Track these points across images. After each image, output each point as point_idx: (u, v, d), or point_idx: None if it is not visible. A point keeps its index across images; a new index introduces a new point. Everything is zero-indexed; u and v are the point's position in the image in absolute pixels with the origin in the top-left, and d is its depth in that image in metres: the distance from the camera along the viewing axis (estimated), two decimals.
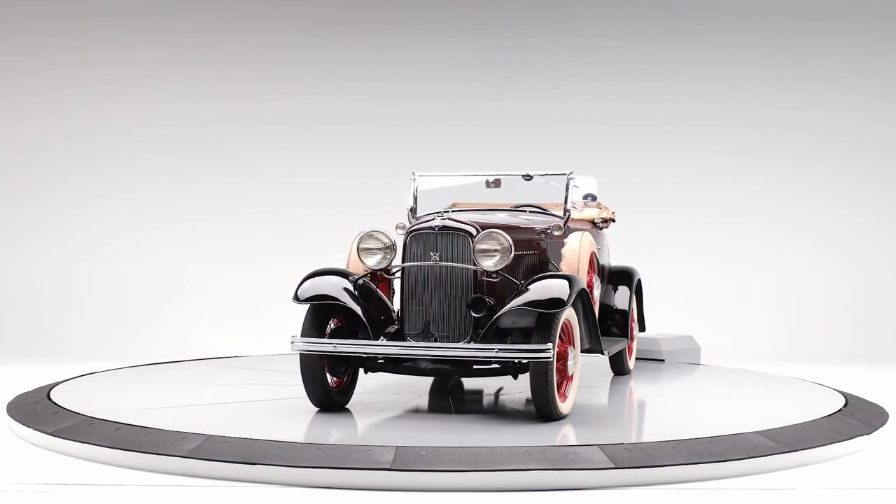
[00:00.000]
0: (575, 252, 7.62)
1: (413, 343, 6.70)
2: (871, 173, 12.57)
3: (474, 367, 6.82)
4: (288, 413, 7.02)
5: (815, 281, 12.36)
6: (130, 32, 12.48)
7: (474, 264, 6.73)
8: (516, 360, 6.64)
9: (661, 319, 11.34)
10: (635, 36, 12.65)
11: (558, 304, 6.51)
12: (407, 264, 6.85)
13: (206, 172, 12.42)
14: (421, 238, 6.85)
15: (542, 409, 6.66)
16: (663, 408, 7.43)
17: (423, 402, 7.64)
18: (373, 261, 7.02)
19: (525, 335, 6.74)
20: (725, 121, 12.61)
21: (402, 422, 6.84)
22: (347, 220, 11.72)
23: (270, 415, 6.94)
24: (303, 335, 6.83)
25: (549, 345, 6.43)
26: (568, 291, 6.56)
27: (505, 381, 8.23)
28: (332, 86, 12.56)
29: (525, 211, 8.09)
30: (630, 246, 10.35)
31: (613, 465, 5.59)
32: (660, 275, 11.92)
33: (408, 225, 7.71)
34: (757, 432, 6.31)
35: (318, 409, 7.01)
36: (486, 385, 8.30)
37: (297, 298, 6.86)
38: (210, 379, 8.67)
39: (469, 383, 8.43)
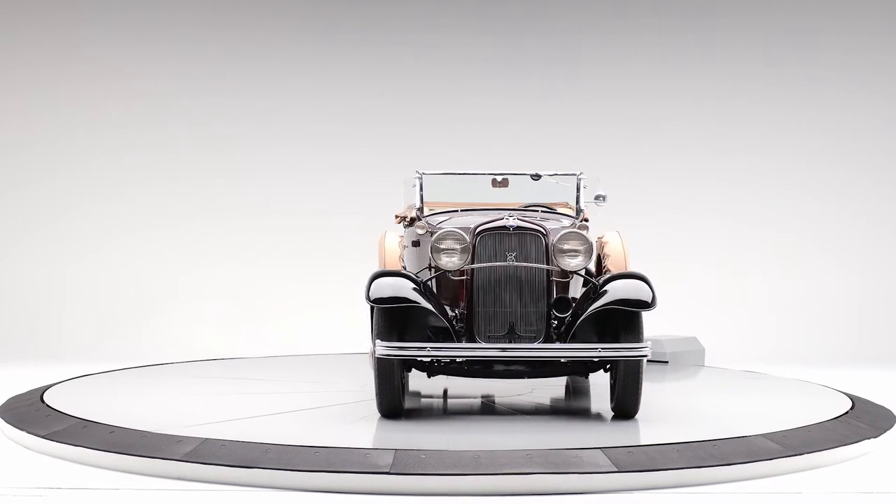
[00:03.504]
0: (620, 251, 7.68)
1: (517, 345, 6.65)
2: (878, 173, 12.51)
3: (556, 366, 6.87)
4: (285, 415, 6.96)
5: (821, 282, 12.30)
6: (126, 28, 12.41)
7: (548, 263, 6.74)
8: (589, 360, 6.78)
9: (664, 321, 11.26)
10: (642, 34, 12.60)
11: (645, 304, 6.66)
12: (487, 264, 6.76)
13: (203, 172, 12.35)
14: (494, 238, 6.80)
15: (630, 408, 6.80)
16: (667, 410, 7.38)
17: (424, 404, 7.57)
18: (452, 261, 6.82)
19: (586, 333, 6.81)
20: (730, 120, 12.55)
21: (402, 424, 6.78)
22: (348, 221, 11.70)
23: (268, 417, 6.88)
24: (381, 339, 6.60)
25: (648, 343, 6.58)
26: (651, 292, 6.69)
27: (445, 380, 8.23)
28: (334, 84, 12.50)
29: (537, 211, 8.03)
30: (633, 247, 10.26)
31: (616, 469, 5.54)
32: (664, 276, 11.81)
33: (425, 225, 7.62)
34: (762, 435, 6.27)
35: (384, 417, 6.84)
36: (425, 386, 8.24)
37: (372, 300, 6.64)
38: (206, 381, 8.62)
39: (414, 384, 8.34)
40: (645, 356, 6.57)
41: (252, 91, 12.48)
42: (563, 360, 6.79)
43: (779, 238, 12.44)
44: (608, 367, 7.00)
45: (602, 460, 5.62)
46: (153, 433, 6.13)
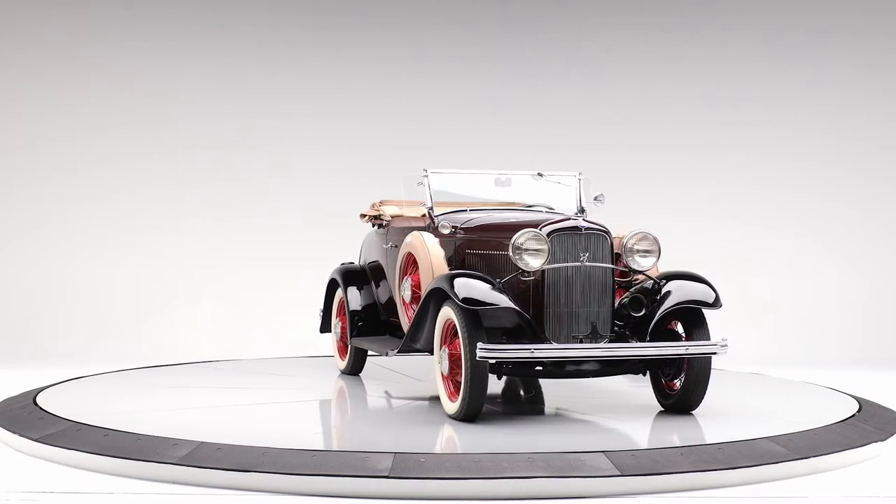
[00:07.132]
0: None
1: (613, 345, 6.75)
2: (883, 172, 12.46)
3: (626, 365, 6.95)
4: (283, 418, 6.93)
5: (827, 283, 12.25)
6: (124, 27, 12.36)
7: (614, 263, 6.93)
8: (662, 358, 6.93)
9: None
10: (644, 33, 12.57)
11: (710, 303, 6.96)
12: (564, 265, 6.78)
13: (201, 172, 12.29)
14: (567, 238, 6.83)
15: (696, 401, 7.02)
16: (671, 413, 7.30)
17: (424, 405, 7.51)
18: (538, 262, 6.76)
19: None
20: (731, 119, 12.51)
21: (401, 427, 6.74)
22: (349, 221, 11.62)
23: (264, 420, 6.85)
24: (479, 342, 6.47)
25: (726, 339, 6.77)
26: (714, 291, 7.01)
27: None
28: (334, 83, 12.46)
29: (542, 211, 8.10)
30: None
31: (619, 473, 5.50)
32: None
33: (447, 224, 7.63)
34: (767, 438, 6.23)
35: (465, 421, 6.71)
36: (419, 389, 8.23)
37: (462, 301, 6.55)
38: (202, 384, 8.58)
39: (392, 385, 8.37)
40: (716, 352, 6.78)
41: (252, 90, 12.43)
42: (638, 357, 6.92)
43: (783, 238, 12.40)
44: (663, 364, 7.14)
45: (605, 464, 5.57)
46: (148, 436, 6.09)
